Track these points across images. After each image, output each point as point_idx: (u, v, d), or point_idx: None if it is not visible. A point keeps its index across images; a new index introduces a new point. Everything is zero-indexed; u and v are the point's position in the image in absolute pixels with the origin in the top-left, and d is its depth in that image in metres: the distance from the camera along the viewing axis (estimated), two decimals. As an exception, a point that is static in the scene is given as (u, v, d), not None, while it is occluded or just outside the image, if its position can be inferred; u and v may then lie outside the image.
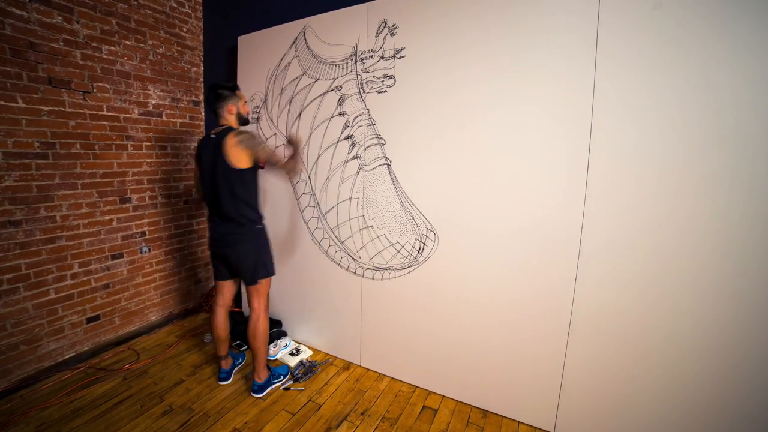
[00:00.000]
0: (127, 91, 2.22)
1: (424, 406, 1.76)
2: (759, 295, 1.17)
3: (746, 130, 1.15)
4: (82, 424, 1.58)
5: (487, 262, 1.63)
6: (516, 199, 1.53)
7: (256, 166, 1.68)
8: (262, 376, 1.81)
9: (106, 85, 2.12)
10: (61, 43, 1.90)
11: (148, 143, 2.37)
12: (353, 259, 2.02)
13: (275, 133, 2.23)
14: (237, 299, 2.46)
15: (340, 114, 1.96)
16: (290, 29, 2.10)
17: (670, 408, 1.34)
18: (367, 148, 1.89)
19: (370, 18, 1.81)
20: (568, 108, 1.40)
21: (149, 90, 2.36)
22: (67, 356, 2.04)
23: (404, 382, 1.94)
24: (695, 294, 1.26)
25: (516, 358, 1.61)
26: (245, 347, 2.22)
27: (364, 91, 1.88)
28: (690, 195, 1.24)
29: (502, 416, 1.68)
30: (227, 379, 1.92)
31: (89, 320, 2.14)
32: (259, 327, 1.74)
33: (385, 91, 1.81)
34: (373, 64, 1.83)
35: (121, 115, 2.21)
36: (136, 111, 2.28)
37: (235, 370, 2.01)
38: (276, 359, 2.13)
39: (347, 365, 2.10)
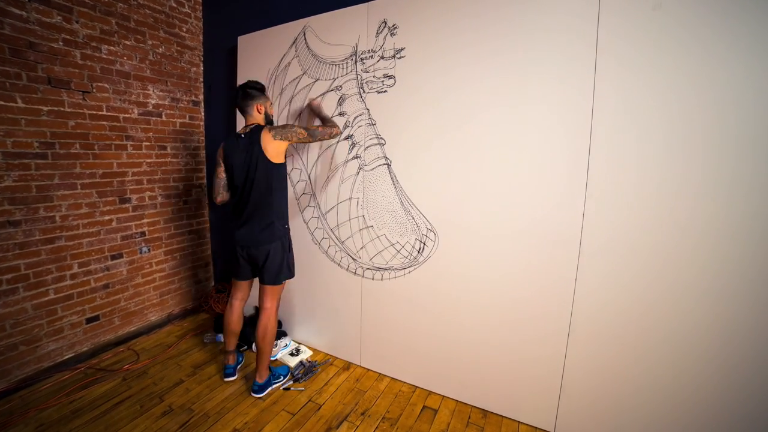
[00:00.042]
0: (126, 91, 2.22)
1: (424, 406, 1.76)
2: (759, 295, 1.17)
3: (747, 130, 1.14)
4: (82, 424, 1.58)
5: (487, 262, 1.63)
6: (516, 199, 1.53)
7: (285, 164, 1.73)
8: (263, 375, 1.81)
9: (106, 85, 2.11)
10: (61, 43, 1.90)
11: (147, 143, 2.37)
12: (353, 259, 2.02)
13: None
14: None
15: (340, 114, 1.96)
16: (290, 29, 2.09)
17: (670, 408, 1.34)
18: (367, 148, 1.89)
19: (370, 18, 1.81)
20: (569, 108, 1.40)
21: (149, 90, 2.35)
22: (67, 357, 2.03)
23: (404, 382, 1.94)
24: (695, 294, 1.26)
25: (516, 358, 1.61)
26: (245, 347, 2.22)
27: (364, 91, 1.87)
28: (690, 195, 1.23)
29: (503, 416, 1.68)
30: (233, 375, 1.92)
31: (89, 320, 2.13)
32: (270, 327, 1.75)
33: (385, 91, 1.81)
34: (373, 64, 1.83)
35: (121, 115, 2.20)
36: (135, 111, 2.28)
37: (237, 368, 2.01)
38: (276, 359, 2.13)
39: (347, 365, 2.10)
